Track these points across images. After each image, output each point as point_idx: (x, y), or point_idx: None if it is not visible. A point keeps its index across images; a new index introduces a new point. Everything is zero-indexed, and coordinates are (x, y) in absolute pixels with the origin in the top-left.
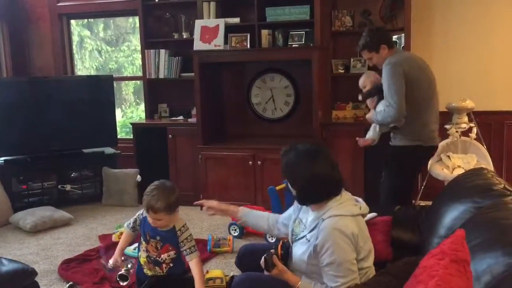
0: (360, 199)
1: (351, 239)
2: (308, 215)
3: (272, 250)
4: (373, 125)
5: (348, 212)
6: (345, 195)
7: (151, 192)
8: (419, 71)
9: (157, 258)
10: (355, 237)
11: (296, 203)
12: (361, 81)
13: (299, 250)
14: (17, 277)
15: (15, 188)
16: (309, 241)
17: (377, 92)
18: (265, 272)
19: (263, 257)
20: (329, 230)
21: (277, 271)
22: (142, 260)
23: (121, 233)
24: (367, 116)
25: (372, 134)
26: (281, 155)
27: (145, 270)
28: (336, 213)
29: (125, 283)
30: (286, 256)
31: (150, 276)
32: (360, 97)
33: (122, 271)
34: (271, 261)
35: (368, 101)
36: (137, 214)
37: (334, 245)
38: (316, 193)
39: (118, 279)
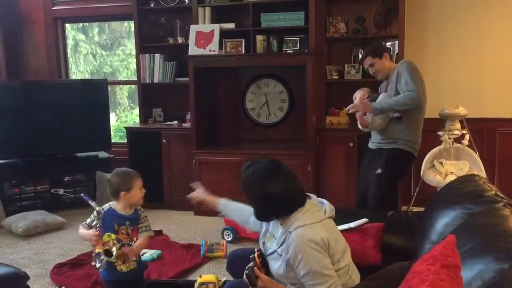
0: (325, 201)
1: (322, 246)
2: (278, 228)
3: (251, 263)
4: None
5: (314, 220)
6: (309, 202)
7: (123, 172)
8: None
9: (131, 243)
10: (325, 242)
11: None
12: (354, 95)
13: (274, 266)
14: (9, 281)
15: (7, 192)
16: (281, 255)
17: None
18: None
19: (244, 274)
20: (297, 242)
21: (262, 282)
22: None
23: (108, 235)
24: (363, 103)
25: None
26: (240, 172)
27: (118, 267)
28: (302, 223)
29: (105, 259)
30: (265, 263)
31: (124, 273)
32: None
33: (111, 247)
34: (253, 274)
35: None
36: (95, 213)
37: (306, 255)
38: (270, 211)
39: (102, 254)
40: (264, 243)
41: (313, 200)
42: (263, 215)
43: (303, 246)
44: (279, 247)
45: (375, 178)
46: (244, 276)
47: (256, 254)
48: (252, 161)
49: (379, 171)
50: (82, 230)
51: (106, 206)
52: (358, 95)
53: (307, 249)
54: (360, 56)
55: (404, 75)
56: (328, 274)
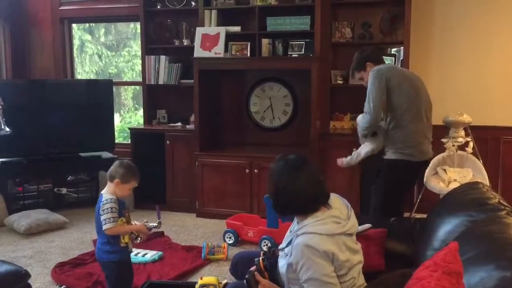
0: (352, 215)
1: (323, 256)
2: (294, 226)
3: (253, 268)
4: (358, 150)
5: (324, 231)
6: (329, 212)
7: (130, 167)
8: (402, 78)
9: (132, 223)
10: (329, 254)
11: None
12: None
13: (281, 263)
14: (10, 279)
15: (10, 190)
16: (286, 255)
17: None
18: None
19: (245, 279)
20: (300, 248)
21: (262, 287)
22: (127, 238)
23: (121, 219)
24: None
25: (349, 159)
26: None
27: (130, 247)
28: (310, 231)
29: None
30: (272, 266)
31: (129, 252)
32: None
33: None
34: (253, 279)
35: None
36: (112, 205)
37: (308, 261)
38: (286, 206)
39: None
40: (286, 237)
41: (335, 211)
42: (281, 210)
43: (305, 253)
44: (286, 246)
45: (372, 194)
46: (245, 282)
47: (260, 258)
48: (284, 154)
49: (374, 186)
50: (122, 227)
51: (108, 196)
52: None
53: (309, 255)
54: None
55: (367, 90)
56: (330, 282)
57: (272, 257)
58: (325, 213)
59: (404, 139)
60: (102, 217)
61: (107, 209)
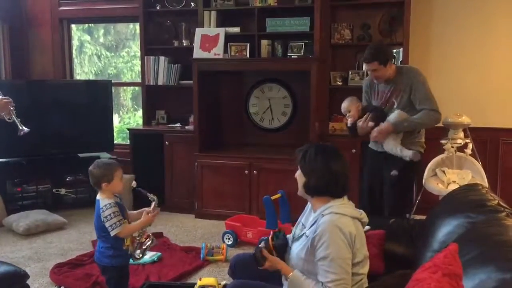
0: (361, 211)
1: (348, 238)
2: (309, 217)
3: (262, 244)
4: (392, 144)
5: (348, 213)
6: (347, 200)
7: (103, 163)
8: None
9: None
10: (352, 237)
11: (305, 210)
12: (345, 105)
13: (297, 248)
14: (9, 280)
15: (9, 191)
16: (307, 237)
17: (380, 112)
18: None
19: (253, 255)
20: (327, 225)
21: (269, 263)
22: (129, 241)
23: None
24: (383, 128)
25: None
26: (299, 149)
27: (130, 251)
28: (336, 211)
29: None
30: (281, 247)
31: (129, 255)
32: (349, 123)
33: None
34: (260, 255)
35: (364, 124)
36: (112, 210)
37: (330, 239)
38: (321, 185)
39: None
40: (294, 233)
41: (351, 202)
42: (311, 187)
43: (330, 230)
44: (309, 228)
45: (392, 180)
46: (253, 258)
47: (270, 237)
48: (313, 143)
49: (395, 172)
50: (132, 226)
51: (106, 202)
52: (352, 108)
53: (333, 234)
54: (366, 55)
55: (421, 89)
56: (344, 268)
57: (283, 238)
58: (345, 199)
59: (423, 136)
60: (107, 224)
61: (109, 215)
